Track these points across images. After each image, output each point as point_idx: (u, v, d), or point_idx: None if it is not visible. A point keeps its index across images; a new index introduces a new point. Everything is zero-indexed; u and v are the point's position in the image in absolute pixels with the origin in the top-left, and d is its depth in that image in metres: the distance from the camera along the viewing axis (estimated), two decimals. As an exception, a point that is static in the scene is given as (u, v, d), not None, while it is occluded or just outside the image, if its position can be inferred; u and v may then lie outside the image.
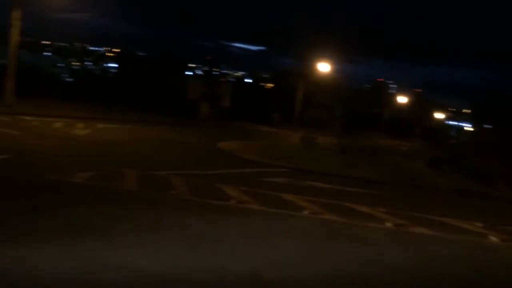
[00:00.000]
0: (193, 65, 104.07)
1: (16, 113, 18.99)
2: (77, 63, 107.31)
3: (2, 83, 21.24)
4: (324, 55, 35.84)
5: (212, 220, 6.32)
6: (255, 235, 5.84)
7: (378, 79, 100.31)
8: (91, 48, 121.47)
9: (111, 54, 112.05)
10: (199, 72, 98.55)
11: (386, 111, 50.26)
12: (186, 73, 73.30)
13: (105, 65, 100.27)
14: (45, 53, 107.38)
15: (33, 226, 5.11)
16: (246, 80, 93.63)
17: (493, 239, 7.20)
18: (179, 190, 7.85)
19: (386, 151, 17.85)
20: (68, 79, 68.13)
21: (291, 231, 6.26)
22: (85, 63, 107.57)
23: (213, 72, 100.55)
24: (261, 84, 71.18)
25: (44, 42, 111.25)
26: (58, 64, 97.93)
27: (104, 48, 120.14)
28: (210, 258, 4.73)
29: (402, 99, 54.18)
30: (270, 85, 65.62)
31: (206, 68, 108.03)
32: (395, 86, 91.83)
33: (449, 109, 79.78)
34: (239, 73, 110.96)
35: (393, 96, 64.45)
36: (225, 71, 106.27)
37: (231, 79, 78.13)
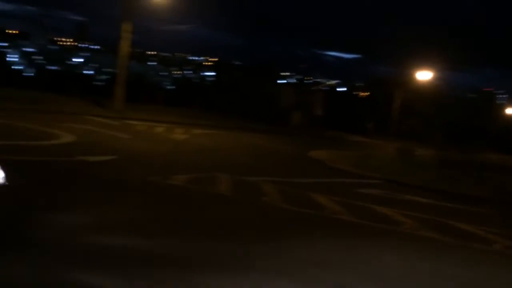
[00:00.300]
0: (286, 74, 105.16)
1: (124, 118, 20.59)
2: (178, 72, 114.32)
3: (113, 90, 23.18)
4: (424, 62, 34.01)
5: (302, 226, 6.23)
6: (346, 249, 5.63)
7: (485, 89, 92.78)
8: (191, 57, 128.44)
9: (209, 63, 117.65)
10: (292, 80, 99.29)
11: (492, 122, 46.25)
12: (279, 81, 74.17)
13: (203, 73, 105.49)
14: (150, 63, 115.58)
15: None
16: (339, 89, 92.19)
17: None
18: (271, 197, 7.88)
19: (492, 166, 16.37)
20: (169, 87, 72.86)
21: (386, 247, 5.93)
22: (185, 71, 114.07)
23: (306, 81, 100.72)
24: (355, 92, 69.63)
25: (150, 52, 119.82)
26: (161, 73, 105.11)
27: (203, 57, 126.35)
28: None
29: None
30: (364, 93, 63.97)
31: (299, 77, 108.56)
32: (505, 96, 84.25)
33: None
34: (333, 82, 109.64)
35: (502, 107, 59.12)
36: (318, 80, 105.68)
37: (324, 88, 77.48)
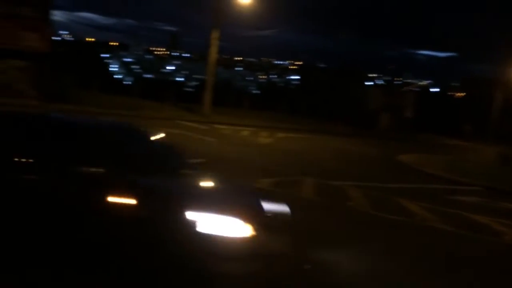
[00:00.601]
0: (374, 75, 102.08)
1: (211, 122, 21.39)
2: (263, 76, 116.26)
3: (201, 96, 24.17)
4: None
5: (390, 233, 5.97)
6: (446, 262, 5.28)
7: None
8: (276, 62, 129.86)
9: (294, 67, 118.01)
10: (379, 82, 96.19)
11: None
12: (366, 83, 72.18)
13: (288, 77, 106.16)
14: (237, 69, 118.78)
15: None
16: (432, 89, 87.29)
17: None
18: (356, 202, 7.68)
19: None
20: (255, 91, 74.39)
21: (487, 259, 5.47)
22: (270, 76, 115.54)
23: (395, 82, 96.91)
24: (449, 93, 65.51)
25: (236, 58, 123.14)
26: (247, 78, 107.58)
27: (288, 61, 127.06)
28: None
29: None
30: (460, 94, 59.93)
31: (388, 78, 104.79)
32: None
33: None
34: (424, 82, 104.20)
35: None
36: (408, 80, 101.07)
37: (415, 89, 73.90)
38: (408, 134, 29.79)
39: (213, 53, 23.23)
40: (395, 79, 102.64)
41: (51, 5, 20.08)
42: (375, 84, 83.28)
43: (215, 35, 22.82)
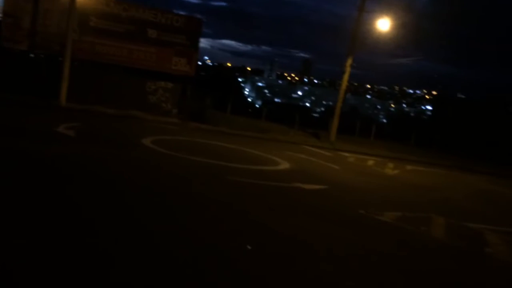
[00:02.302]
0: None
1: (336, 149, 21.24)
2: (394, 105, 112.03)
3: (327, 121, 24.19)
4: None
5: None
6: None
7: None
8: (409, 90, 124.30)
9: (429, 97, 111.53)
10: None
11: None
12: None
13: (421, 107, 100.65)
14: (367, 96, 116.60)
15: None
16: None
17: None
18: (496, 249, 6.89)
19: None
20: (383, 120, 71.95)
21: None
22: (402, 105, 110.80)
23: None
24: None
25: (367, 85, 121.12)
26: (377, 106, 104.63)
27: (422, 91, 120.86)
28: None
29: None
30: None
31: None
32: None
33: None
34: None
35: None
36: None
37: None
38: None
39: (345, 80, 23.20)
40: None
41: (200, 34, 22.20)
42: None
43: (349, 62, 22.82)
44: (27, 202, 5.56)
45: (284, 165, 12.97)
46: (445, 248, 6.74)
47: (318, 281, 4.60)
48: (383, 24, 22.26)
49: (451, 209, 10.47)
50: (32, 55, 20.36)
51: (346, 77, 23.02)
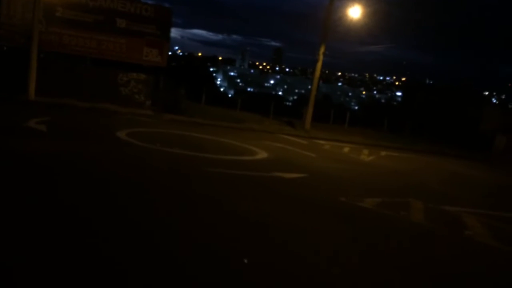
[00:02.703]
0: (485, 93, 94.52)
1: (312, 137, 21.37)
2: (364, 92, 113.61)
3: (301, 110, 24.29)
4: None
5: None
6: None
7: None
8: (379, 77, 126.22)
9: (398, 83, 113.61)
10: (493, 100, 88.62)
11: None
12: (478, 101, 66.81)
13: (391, 93, 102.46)
14: (338, 83, 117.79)
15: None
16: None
17: None
18: (475, 231, 7.06)
19: None
20: (355, 107, 72.96)
21: None
22: (373, 92, 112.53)
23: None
24: None
25: (338, 73, 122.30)
26: (349, 93, 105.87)
27: (392, 77, 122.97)
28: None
29: None
30: None
31: (503, 96, 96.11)
32: None
33: None
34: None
35: None
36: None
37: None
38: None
39: (318, 68, 23.27)
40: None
41: (171, 23, 21.78)
42: (490, 102, 76.89)
43: (322, 50, 22.88)
44: (8, 200, 5.32)
45: (262, 155, 12.93)
46: (426, 232, 6.86)
47: (307, 271, 4.58)
48: (354, 12, 22.39)
49: (428, 193, 10.68)
50: (-5, 48, 19.56)
51: (319, 65, 23.09)
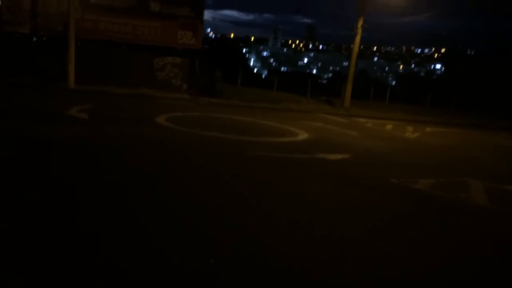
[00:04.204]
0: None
1: (352, 115, 20.76)
2: (402, 66, 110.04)
3: (336, 87, 23.58)
4: None
5: None
6: None
7: None
8: (417, 50, 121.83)
9: (437, 55, 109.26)
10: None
11: None
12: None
13: (430, 66, 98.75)
14: (374, 58, 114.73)
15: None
16: None
17: None
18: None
19: None
20: (393, 83, 70.76)
21: None
22: (411, 65, 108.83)
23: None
24: None
25: (373, 48, 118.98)
26: (385, 68, 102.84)
27: (430, 49, 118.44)
28: None
29: None
30: None
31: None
32: None
33: None
34: None
35: None
36: None
37: None
38: None
39: (357, 43, 22.43)
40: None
41: (204, 5, 21.49)
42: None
43: (360, 23, 22.00)
44: (59, 184, 5.27)
45: (303, 135, 12.58)
46: (497, 214, 6.36)
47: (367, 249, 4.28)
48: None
49: (483, 171, 10.08)
50: (34, 38, 19.88)
51: (357, 39, 22.26)
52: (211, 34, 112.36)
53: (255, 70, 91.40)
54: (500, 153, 14.15)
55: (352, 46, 22.43)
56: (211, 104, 18.53)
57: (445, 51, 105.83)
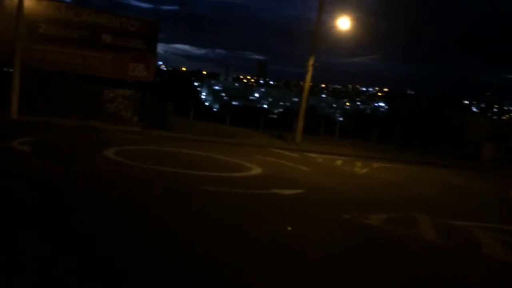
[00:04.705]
0: (466, 102, 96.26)
1: (303, 150, 21.06)
2: (349, 103, 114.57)
3: (288, 122, 23.99)
4: None
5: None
6: None
7: None
8: (362, 88, 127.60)
9: (381, 94, 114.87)
10: (473, 109, 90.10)
11: None
12: (462, 110, 67.86)
13: (374, 104, 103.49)
14: (322, 95, 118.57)
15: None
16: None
17: None
18: (492, 248, 6.76)
19: None
20: (340, 118, 73.28)
21: None
22: (357, 103, 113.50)
23: (493, 109, 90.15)
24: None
25: (322, 85, 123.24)
26: (333, 105, 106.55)
27: (374, 88, 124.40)
28: None
29: None
30: None
31: (482, 105, 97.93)
32: None
33: None
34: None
35: None
36: (508, 108, 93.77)
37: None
38: (515, 166, 27.09)
39: (308, 80, 23.07)
40: (494, 106, 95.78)
41: (157, 38, 21.41)
42: (475, 111, 78.26)
43: (311, 62, 22.71)
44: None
45: (256, 170, 12.57)
46: (446, 251, 6.52)
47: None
48: (341, 24, 22.34)
49: (430, 206, 10.44)
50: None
51: (309, 77, 22.92)
52: (163, 66, 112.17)
53: (207, 104, 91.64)
54: (443, 188, 14.78)
55: (302, 83, 23.06)
56: (163, 138, 18.20)
57: (388, 90, 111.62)
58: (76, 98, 19.03)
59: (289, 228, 5.50)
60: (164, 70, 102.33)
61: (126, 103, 20.21)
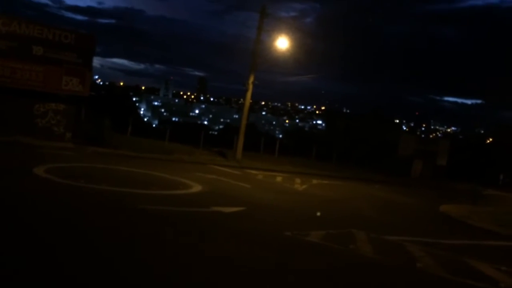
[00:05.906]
0: (396, 121, 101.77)
1: (244, 167, 21.10)
2: (288, 121, 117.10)
3: (228, 139, 23.96)
4: None
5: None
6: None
7: None
8: (301, 106, 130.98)
9: (318, 112, 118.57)
10: (404, 127, 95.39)
11: None
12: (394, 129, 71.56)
13: (313, 122, 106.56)
14: (262, 113, 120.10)
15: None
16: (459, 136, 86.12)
17: None
18: (424, 263, 7.03)
19: None
20: (279, 136, 74.58)
21: None
22: (296, 120, 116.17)
23: (422, 128, 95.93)
24: (481, 140, 64.20)
25: (262, 102, 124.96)
26: (273, 122, 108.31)
27: (312, 106, 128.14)
28: None
29: None
30: (490, 141, 58.58)
31: (412, 124, 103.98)
32: None
33: None
34: (450, 129, 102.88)
35: None
36: (435, 127, 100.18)
37: (441, 135, 72.62)
38: (442, 182, 28.86)
39: (248, 98, 23.25)
40: (422, 125, 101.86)
41: (94, 51, 20.66)
42: (405, 130, 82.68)
43: (251, 79, 22.93)
44: None
45: (197, 188, 12.36)
46: (382, 267, 6.69)
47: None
48: (280, 44, 22.82)
49: (364, 222, 10.76)
50: None
51: (249, 94, 23.12)
52: (99, 81, 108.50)
53: (146, 119, 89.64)
54: (378, 203, 15.35)
55: (242, 100, 23.18)
56: (99, 154, 17.45)
57: (325, 108, 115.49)
58: (3, 112, 17.82)
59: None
60: (101, 85, 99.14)
61: (58, 118, 19.21)
